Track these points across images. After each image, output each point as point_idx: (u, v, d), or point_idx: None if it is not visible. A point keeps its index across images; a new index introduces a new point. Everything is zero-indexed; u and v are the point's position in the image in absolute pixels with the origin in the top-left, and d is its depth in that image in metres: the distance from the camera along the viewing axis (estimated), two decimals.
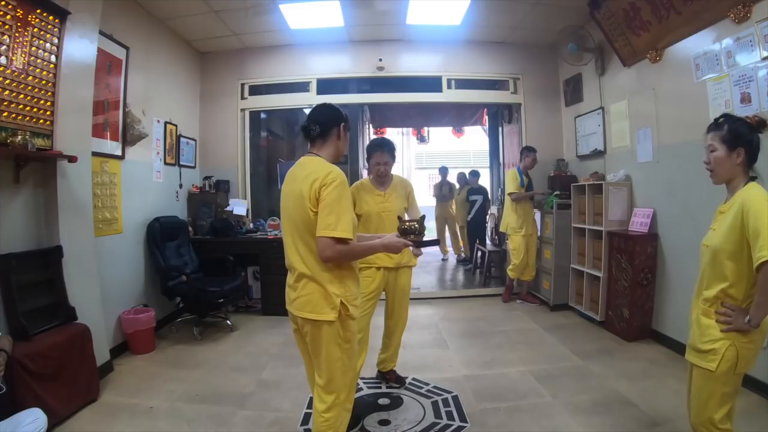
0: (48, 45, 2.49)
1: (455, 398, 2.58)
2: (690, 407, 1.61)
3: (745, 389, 1.56)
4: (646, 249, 3.44)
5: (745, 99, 2.60)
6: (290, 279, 1.67)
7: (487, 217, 6.78)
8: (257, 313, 4.36)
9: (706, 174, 1.62)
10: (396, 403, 2.56)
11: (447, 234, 7.55)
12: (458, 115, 7.37)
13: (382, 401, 2.58)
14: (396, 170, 2.76)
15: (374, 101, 5.58)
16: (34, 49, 2.40)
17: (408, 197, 2.70)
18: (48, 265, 2.54)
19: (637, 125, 3.71)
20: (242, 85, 5.00)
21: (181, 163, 4.46)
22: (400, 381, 2.78)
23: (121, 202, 3.43)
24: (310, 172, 1.57)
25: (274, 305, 4.10)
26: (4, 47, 2.22)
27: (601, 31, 3.82)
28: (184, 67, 4.58)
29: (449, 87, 4.99)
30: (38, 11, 2.41)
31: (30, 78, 2.39)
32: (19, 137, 2.28)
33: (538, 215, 4.62)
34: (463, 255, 7.18)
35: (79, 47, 2.74)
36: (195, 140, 4.78)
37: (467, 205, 6.60)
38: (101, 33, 3.01)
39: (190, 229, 4.33)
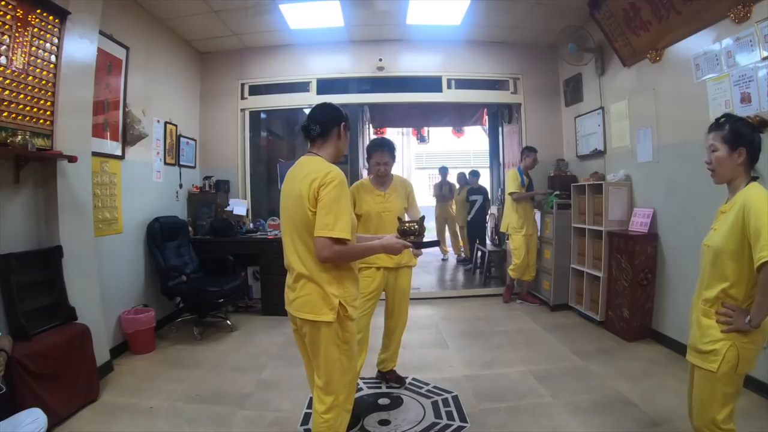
0: (48, 45, 2.49)
1: (455, 398, 2.58)
2: (692, 408, 1.61)
3: (745, 389, 1.56)
4: (646, 249, 3.44)
5: (745, 99, 2.60)
6: (289, 279, 1.67)
7: (487, 217, 6.78)
8: (257, 313, 4.36)
9: (706, 174, 1.62)
10: (396, 403, 2.56)
11: (447, 234, 7.55)
12: (458, 115, 7.36)
13: (382, 401, 2.58)
14: (396, 170, 2.75)
15: (374, 101, 5.58)
16: (34, 49, 2.40)
17: (408, 197, 2.70)
18: (48, 265, 2.54)
19: (637, 125, 3.71)
20: (242, 85, 5.00)
21: (181, 163, 4.46)
22: (400, 381, 2.78)
23: (121, 202, 3.43)
24: (309, 171, 1.56)
25: (274, 305, 4.10)
26: (4, 47, 2.22)
27: (601, 31, 3.82)
28: (184, 67, 4.58)
29: (449, 87, 4.99)
30: (38, 11, 2.41)
31: (30, 78, 2.39)
32: (19, 137, 2.28)
33: (538, 215, 4.62)
34: (463, 255, 7.18)
35: (79, 47, 2.74)
36: (195, 140, 4.78)
37: (467, 205, 6.60)
38: (101, 33, 3.01)
39: (190, 229, 4.33)
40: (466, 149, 14.37)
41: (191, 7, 3.87)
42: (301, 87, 4.97)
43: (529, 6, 4.05)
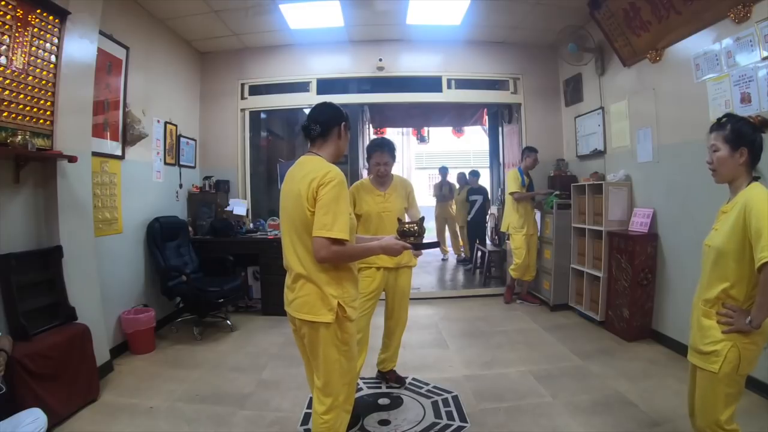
0: (48, 45, 2.49)
1: (455, 398, 2.58)
2: (695, 409, 1.60)
3: (745, 389, 1.56)
4: (646, 249, 3.44)
5: (745, 99, 2.60)
6: (288, 280, 1.66)
7: (487, 217, 6.78)
8: (257, 313, 4.36)
9: (707, 174, 1.61)
10: (396, 403, 2.56)
11: (447, 234, 7.55)
12: (458, 115, 7.36)
13: (382, 401, 2.58)
14: (396, 170, 2.75)
15: (374, 101, 5.58)
16: (34, 49, 2.40)
17: (408, 197, 2.70)
18: (48, 265, 2.54)
19: (637, 125, 3.71)
20: (242, 85, 5.00)
21: (181, 163, 4.46)
22: (400, 381, 2.78)
23: (121, 202, 3.43)
24: (308, 171, 1.56)
25: (274, 305, 4.10)
26: (4, 47, 2.22)
27: (601, 31, 3.82)
28: (184, 67, 4.58)
29: (449, 87, 4.99)
30: (38, 11, 2.41)
31: (30, 78, 2.39)
32: (19, 137, 2.28)
33: (538, 215, 4.61)
34: (463, 255, 7.18)
35: (79, 47, 2.74)
36: (195, 140, 4.78)
37: (467, 205, 6.61)
38: (101, 33, 3.01)
39: (190, 229, 4.33)
40: (466, 149, 14.35)
41: (191, 7, 3.87)
42: (301, 87, 4.96)
43: (529, 6, 4.05)
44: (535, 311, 4.38)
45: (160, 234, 3.78)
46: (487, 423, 2.32)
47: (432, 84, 5.00)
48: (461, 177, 7.30)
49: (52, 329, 2.44)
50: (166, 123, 4.14)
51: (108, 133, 3.31)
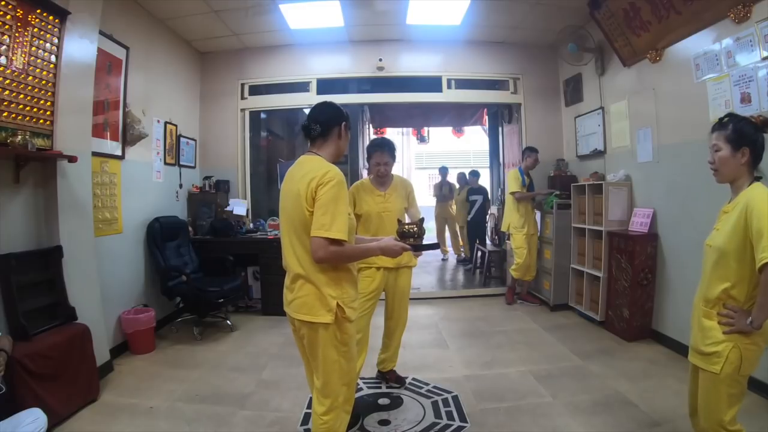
0: (48, 45, 2.49)
1: (455, 398, 2.58)
2: (699, 411, 1.60)
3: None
4: (646, 249, 3.44)
5: (745, 99, 2.60)
6: (287, 280, 1.66)
7: (487, 217, 6.78)
8: (257, 313, 4.36)
9: (706, 174, 1.61)
10: (396, 403, 2.56)
11: (447, 234, 7.55)
12: (458, 115, 7.36)
13: (382, 401, 2.58)
14: (396, 170, 2.75)
15: (374, 101, 5.58)
16: (34, 49, 2.40)
17: (408, 197, 2.70)
18: (48, 265, 2.54)
19: (637, 125, 3.71)
20: (242, 85, 5.00)
21: (181, 163, 4.46)
22: (400, 381, 2.78)
23: (121, 202, 3.43)
24: (307, 171, 1.55)
25: (274, 305, 4.10)
26: (4, 47, 2.22)
27: (601, 31, 3.82)
28: (184, 67, 4.58)
29: (449, 87, 4.99)
30: (38, 11, 2.41)
31: (30, 78, 2.39)
32: (19, 137, 2.28)
33: (538, 215, 4.61)
34: (463, 255, 7.18)
35: (79, 47, 2.74)
36: (195, 140, 4.78)
37: (467, 205, 6.61)
38: (101, 33, 3.01)
39: (190, 229, 4.33)
40: (466, 149, 14.35)
41: (191, 7, 3.87)
42: (301, 87, 4.96)
43: (529, 6, 4.05)
44: (535, 311, 4.38)
45: (160, 234, 3.78)
46: (487, 423, 2.32)
47: (432, 84, 5.00)
48: (461, 177, 7.30)
49: (52, 329, 2.44)
50: (166, 123, 4.14)
51: (108, 133, 3.31)
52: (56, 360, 2.30)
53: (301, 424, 2.31)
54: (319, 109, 1.70)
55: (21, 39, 2.30)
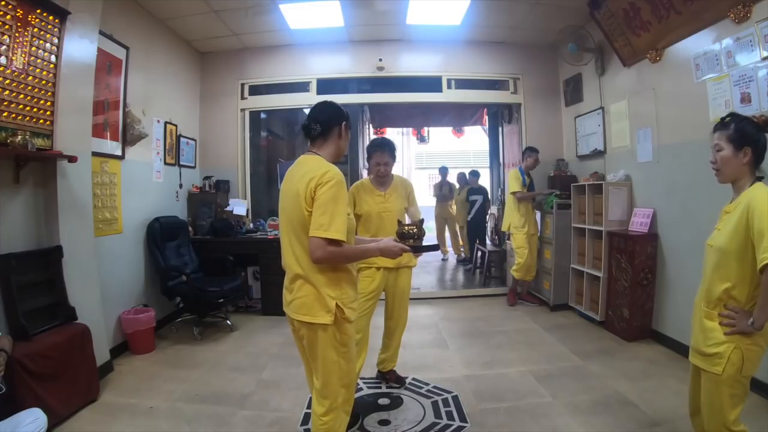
0: (48, 45, 2.49)
1: (455, 398, 2.58)
2: (703, 413, 1.60)
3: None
4: (646, 249, 3.44)
5: (745, 99, 2.60)
6: (286, 280, 1.65)
7: (487, 217, 6.78)
8: (257, 313, 4.36)
9: (706, 174, 1.61)
10: (396, 403, 2.56)
11: (447, 234, 7.55)
12: (458, 115, 7.36)
13: (382, 401, 2.58)
14: (396, 170, 2.75)
15: (374, 101, 5.57)
16: (34, 49, 2.40)
17: (408, 197, 2.70)
18: (48, 265, 2.54)
19: (637, 125, 3.71)
20: (242, 85, 5.00)
21: (181, 163, 4.46)
22: (400, 381, 2.78)
23: (121, 202, 3.43)
24: (307, 170, 1.54)
25: (274, 305, 4.10)
26: (4, 47, 2.22)
27: (601, 31, 3.82)
28: (184, 67, 4.58)
29: (449, 87, 4.99)
30: (38, 11, 2.41)
31: (30, 78, 2.39)
32: (19, 137, 2.28)
33: (538, 215, 4.61)
34: (462, 255, 7.18)
35: (79, 47, 2.74)
36: (195, 140, 4.78)
37: (467, 205, 6.61)
38: (101, 33, 3.01)
39: (190, 229, 4.33)
40: (466, 149, 14.33)
41: (191, 7, 3.87)
42: (301, 87, 4.96)
43: (529, 6, 4.05)
44: (535, 311, 4.38)
45: (160, 234, 3.78)
46: (487, 423, 2.32)
47: (432, 84, 5.00)
48: (461, 177, 7.30)
49: (52, 329, 2.44)
50: (166, 123, 4.14)
51: (108, 133, 3.31)
52: (56, 360, 2.30)
53: (301, 424, 2.31)
54: (320, 108, 1.69)
55: (21, 39, 2.30)
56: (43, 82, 2.48)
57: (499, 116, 6.03)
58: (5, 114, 2.25)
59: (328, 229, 1.45)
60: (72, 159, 2.57)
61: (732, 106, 2.66)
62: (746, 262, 1.43)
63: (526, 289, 4.72)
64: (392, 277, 2.62)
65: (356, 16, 4.29)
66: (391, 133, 10.16)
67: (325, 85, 4.93)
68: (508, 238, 4.70)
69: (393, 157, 2.61)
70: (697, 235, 2.89)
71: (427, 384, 2.77)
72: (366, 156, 2.70)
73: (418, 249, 1.75)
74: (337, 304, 1.53)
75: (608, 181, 3.91)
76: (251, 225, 4.82)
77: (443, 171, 7.57)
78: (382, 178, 2.62)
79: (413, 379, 2.84)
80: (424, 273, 6.29)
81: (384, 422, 2.35)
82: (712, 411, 1.53)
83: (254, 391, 2.71)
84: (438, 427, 2.28)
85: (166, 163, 4.15)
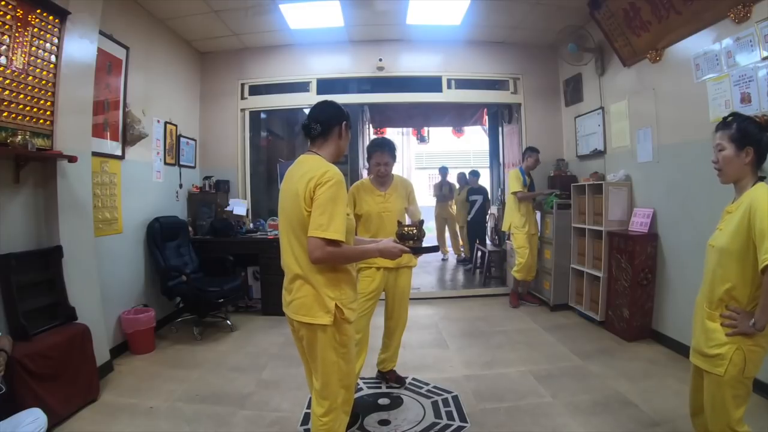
0: (48, 45, 2.49)
1: (455, 398, 2.58)
2: (705, 414, 1.59)
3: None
4: (646, 249, 3.44)
5: (745, 99, 2.59)
6: (285, 281, 1.64)
7: (487, 217, 6.78)
8: (257, 313, 4.36)
9: (707, 174, 1.61)
10: (396, 403, 2.56)
11: (447, 234, 7.55)
12: (458, 115, 7.36)
13: (382, 401, 2.58)
14: (396, 170, 2.75)
15: (374, 101, 5.57)
16: (34, 49, 2.40)
17: (408, 197, 2.70)
18: (48, 265, 2.54)
19: (637, 125, 3.71)
20: (242, 85, 5.00)
21: (181, 163, 4.46)
22: (400, 381, 2.78)
23: (121, 202, 3.43)
24: (306, 170, 1.53)
25: (274, 305, 4.09)
26: (4, 47, 2.22)
27: (601, 31, 3.82)
28: (184, 67, 4.58)
29: (449, 87, 4.99)
30: (38, 11, 2.41)
31: (30, 78, 2.39)
32: (19, 137, 2.28)
33: (538, 215, 4.61)
34: (463, 255, 7.18)
35: (79, 47, 2.74)
36: (195, 140, 4.78)
37: (467, 205, 6.61)
38: (101, 33, 3.01)
39: (190, 229, 4.33)
40: (466, 149, 14.33)
41: (191, 7, 3.87)
42: (301, 87, 4.96)
43: (529, 6, 4.05)
44: (535, 311, 4.38)
45: (160, 234, 3.78)
46: (487, 423, 2.32)
47: (432, 84, 5.00)
48: (461, 177, 7.30)
49: (52, 329, 2.44)
50: (166, 123, 4.14)
51: (108, 133, 3.31)
52: (56, 360, 2.30)
53: (301, 424, 2.31)
54: (320, 108, 1.69)
55: (21, 39, 2.30)
56: (43, 82, 2.48)
57: (499, 116, 6.03)
58: (5, 114, 2.25)
59: (327, 229, 1.44)
60: (72, 159, 2.57)
61: (732, 106, 2.65)
62: (747, 263, 1.42)
63: (526, 289, 4.72)
64: (392, 277, 2.62)
65: (356, 16, 4.29)
66: (391, 133, 10.15)
67: (325, 85, 4.93)
68: (509, 238, 4.70)
69: (393, 157, 2.61)
70: (697, 235, 2.89)
71: (427, 384, 2.77)
72: (366, 156, 2.70)
73: (418, 250, 1.73)
74: (336, 304, 1.53)
75: (608, 181, 3.91)
76: (251, 225, 4.82)
77: (443, 171, 7.57)
78: (382, 178, 2.62)
79: (413, 379, 2.84)
80: (424, 273, 6.29)
81: (384, 422, 2.35)
82: (716, 412, 1.53)
83: (254, 391, 2.71)
84: (438, 427, 2.28)
85: (166, 163, 4.15)
